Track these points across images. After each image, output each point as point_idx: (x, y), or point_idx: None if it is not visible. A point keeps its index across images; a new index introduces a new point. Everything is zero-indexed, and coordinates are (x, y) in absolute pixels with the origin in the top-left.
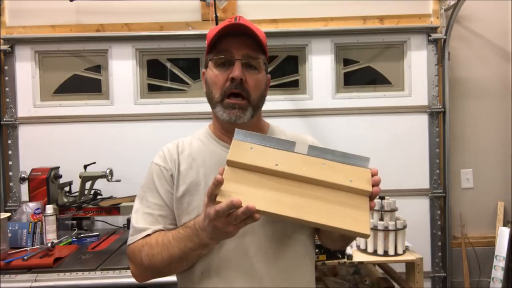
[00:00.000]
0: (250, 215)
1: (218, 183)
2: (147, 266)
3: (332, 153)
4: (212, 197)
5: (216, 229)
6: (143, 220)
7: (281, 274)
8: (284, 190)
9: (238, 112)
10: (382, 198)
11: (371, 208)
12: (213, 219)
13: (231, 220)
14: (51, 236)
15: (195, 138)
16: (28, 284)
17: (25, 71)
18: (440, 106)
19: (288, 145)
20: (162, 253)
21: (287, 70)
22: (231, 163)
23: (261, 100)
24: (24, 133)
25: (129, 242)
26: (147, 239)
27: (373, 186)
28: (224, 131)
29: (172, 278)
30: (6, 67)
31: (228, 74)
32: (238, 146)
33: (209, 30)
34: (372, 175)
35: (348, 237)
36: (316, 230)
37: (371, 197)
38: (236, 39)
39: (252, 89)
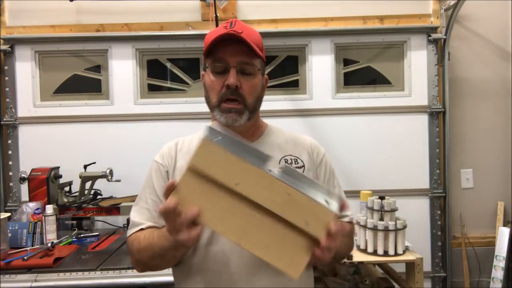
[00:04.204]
0: (194, 222)
1: (168, 189)
2: (137, 259)
3: (303, 183)
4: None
5: (171, 232)
6: (140, 215)
7: (268, 276)
8: (235, 211)
9: (234, 115)
10: (382, 198)
11: (317, 256)
12: (165, 221)
13: (176, 225)
14: (51, 236)
15: (196, 136)
16: (28, 284)
17: (25, 71)
18: (440, 106)
19: (262, 160)
20: (147, 249)
21: (287, 70)
22: (192, 169)
23: (258, 103)
24: (24, 133)
25: (127, 234)
26: (138, 233)
27: (329, 232)
28: None
29: (172, 278)
30: (6, 67)
31: (224, 81)
32: (206, 149)
33: (207, 33)
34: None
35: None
36: None
37: (321, 245)
38: (231, 46)
39: (247, 94)
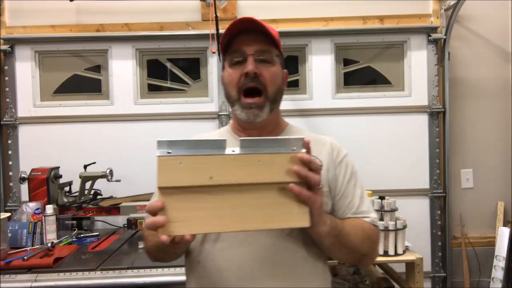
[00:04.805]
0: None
1: (152, 211)
2: (146, 250)
3: (264, 144)
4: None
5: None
6: None
7: (276, 278)
8: (223, 203)
9: (256, 111)
10: (382, 198)
11: (296, 192)
12: None
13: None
14: (51, 236)
15: (215, 133)
16: (28, 284)
17: (25, 71)
18: (440, 106)
19: (219, 146)
20: (153, 242)
21: (287, 70)
22: (163, 189)
23: (279, 94)
24: (24, 133)
25: (143, 224)
26: None
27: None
28: (242, 129)
29: (177, 278)
30: (6, 67)
31: (242, 70)
32: (165, 165)
33: (223, 33)
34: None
35: (351, 250)
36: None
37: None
38: (246, 37)
39: (268, 82)
